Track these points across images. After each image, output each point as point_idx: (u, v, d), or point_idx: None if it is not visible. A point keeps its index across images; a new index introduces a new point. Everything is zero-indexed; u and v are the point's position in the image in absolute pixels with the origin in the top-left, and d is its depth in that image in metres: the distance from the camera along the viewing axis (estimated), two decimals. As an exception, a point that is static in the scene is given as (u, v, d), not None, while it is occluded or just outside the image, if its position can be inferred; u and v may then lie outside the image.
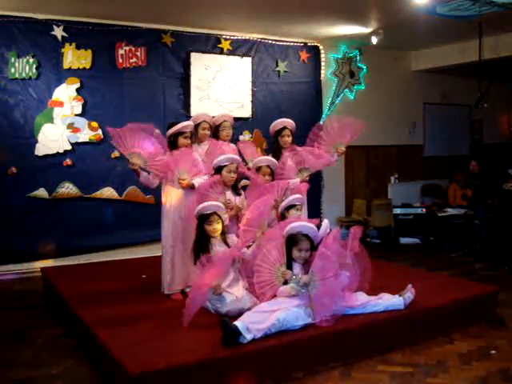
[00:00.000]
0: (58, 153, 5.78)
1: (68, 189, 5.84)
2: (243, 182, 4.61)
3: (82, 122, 5.89)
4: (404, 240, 7.37)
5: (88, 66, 5.88)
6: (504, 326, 3.94)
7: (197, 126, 4.38)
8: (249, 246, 3.79)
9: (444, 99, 8.92)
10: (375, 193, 8.06)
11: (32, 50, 5.62)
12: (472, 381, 3.06)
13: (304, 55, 7.23)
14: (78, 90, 5.85)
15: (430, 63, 8.17)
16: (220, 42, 6.63)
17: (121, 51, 6.05)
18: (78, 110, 5.86)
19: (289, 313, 3.26)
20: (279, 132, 4.61)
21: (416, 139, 8.63)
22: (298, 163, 4.46)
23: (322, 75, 7.41)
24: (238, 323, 3.08)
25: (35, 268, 5.61)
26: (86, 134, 5.90)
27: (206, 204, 3.74)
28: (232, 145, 4.63)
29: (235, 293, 3.60)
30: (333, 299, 3.35)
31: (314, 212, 6.54)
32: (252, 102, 6.84)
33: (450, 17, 5.89)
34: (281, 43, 7.06)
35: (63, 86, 5.79)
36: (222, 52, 6.64)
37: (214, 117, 4.64)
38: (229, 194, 4.10)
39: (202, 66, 6.50)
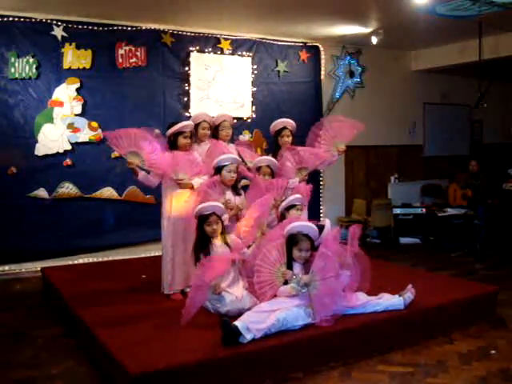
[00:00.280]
0: (58, 153, 5.78)
1: (68, 189, 5.84)
2: (243, 182, 4.61)
3: (81, 122, 5.89)
4: (404, 240, 7.37)
5: (88, 66, 5.88)
6: (504, 326, 3.94)
7: (196, 125, 4.38)
8: (249, 246, 3.79)
9: (444, 99, 8.92)
10: (375, 193, 8.06)
11: (32, 50, 5.62)
12: (472, 381, 3.06)
13: (304, 55, 7.23)
14: (77, 90, 5.85)
15: (430, 63, 8.17)
16: (220, 42, 6.63)
17: (121, 51, 6.05)
18: (78, 109, 5.87)
19: (289, 313, 3.26)
20: (279, 132, 4.62)
21: (416, 139, 8.63)
22: (298, 163, 4.47)
23: (322, 75, 7.41)
24: (238, 323, 3.08)
25: (35, 268, 5.61)
26: (85, 134, 5.91)
27: (205, 204, 3.74)
28: (232, 145, 4.63)
29: (235, 293, 3.60)
30: (333, 299, 3.35)
31: (314, 212, 6.57)
32: (252, 101, 6.84)
33: (450, 17, 5.89)
34: (281, 43, 7.06)
35: (63, 85, 5.79)
36: (222, 52, 6.64)
37: (213, 117, 4.64)
38: (229, 194, 4.10)
39: (202, 65, 6.51)
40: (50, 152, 5.74)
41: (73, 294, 4.16)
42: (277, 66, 7.04)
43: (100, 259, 5.98)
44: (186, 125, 4.21)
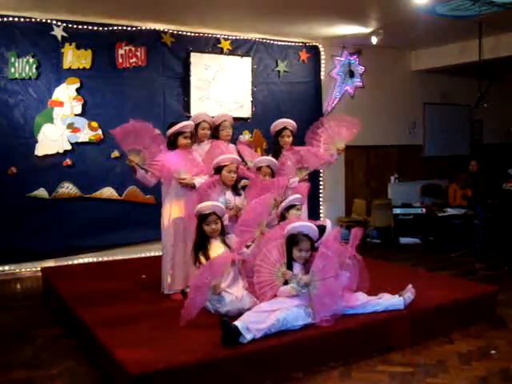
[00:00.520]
0: (58, 153, 5.78)
1: (68, 189, 5.83)
2: (243, 182, 4.61)
3: (81, 122, 5.89)
4: (404, 240, 7.37)
5: (88, 66, 5.88)
6: (504, 326, 3.95)
7: (196, 125, 4.38)
8: (248, 246, 3.79)
9: (444, 99, 8.91)
10: (375, 193, 8.05)
11: (32, 50, 5.62)
12: (472, 381, 3.06)
13: (304, 55, 7.23)
14: (77, 90, 5.85)
15: (430, 63, 8.17)
16: (220, 42, 6.62)
17: (121, 51, 6.05)
18: (78, 109, 5.86)
19: (289, 313, 3.26)
20: (279, 132, 4.63)
21: (416, 139, 8.63)
22: (297, 162, 4.47)
23: (322, 75, 7.41)
24: (238, 323, 3.08)
25: (35, 268, 5.61)
26: (85, 134, 5.90)
27: (205, 204, 3.74)
28: (232, 145, 4.63)
29: (235, 293, 3.60)
30: (333, 299, 3.35)
31: (314, 212, 6.57)
32: (252, 102, 6.84)
33: (450, 17, 5.89)
34: (281, 43, 7.06)
35: (63, 85, 5.79)
36: (222, 52, 6.64)
37: (213, 117, 4.64)
38: (229, 194, 4.10)
39: (202, 65, 6.50)
40: (50, 152, 5.74)
41: (73, 294, 4.17)
42: (277, 65, 7.04)
43: (100, 259, 5.98)
44: (186, 125, 4.21)
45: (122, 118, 5.71)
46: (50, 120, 5.75)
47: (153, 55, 6.21)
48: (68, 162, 5.83)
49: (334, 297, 3.36)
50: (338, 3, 5.57)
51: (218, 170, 4.07)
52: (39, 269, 5.36)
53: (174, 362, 2.86)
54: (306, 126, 4.78)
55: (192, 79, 6.44)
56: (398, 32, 6.83)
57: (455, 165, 8.71)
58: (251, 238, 3.78)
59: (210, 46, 6.57)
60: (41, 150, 5.70)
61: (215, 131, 4.54)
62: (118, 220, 6.06)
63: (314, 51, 7.32)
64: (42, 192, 5.71)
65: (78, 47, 5.82)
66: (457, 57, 7.59)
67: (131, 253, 6.06)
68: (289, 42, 7.12)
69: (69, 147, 5.83)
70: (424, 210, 7.48)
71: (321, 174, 7.23)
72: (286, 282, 3.41)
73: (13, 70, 5.55)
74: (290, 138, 4.60)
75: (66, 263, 5.66)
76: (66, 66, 5.78)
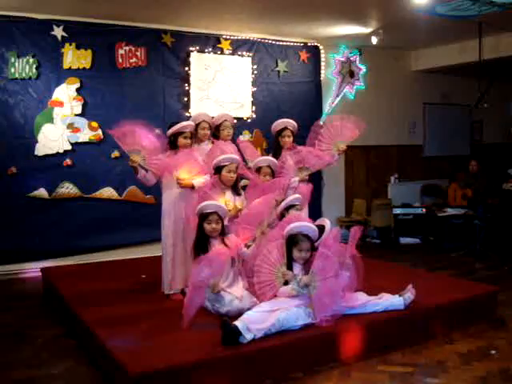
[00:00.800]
0: (57, 153, 5.78)
1: (68, 189, 5.83)
2: (243, 182, 4.61)
3: (82, 122, 5.89)
4: (404, 240, 7.37)
5: (88, 66, 5.88)
6: (504, 326, 3.94)
7: (196, 125, 4.38)
8: (248, 246, 3.79)
9: (444, 99, 8.92)
10: (375, 193, 8.06)
11: (32, 50, 5.62)
12: (472, 381, 3.06)
13: (304, 55, 7.23)
14: (77, 90, 5.85)
15: (430, 63, 8.17)
16: (220, 42, 6.63)
17: (121, 51, 6.05)
18: (78, 109, 5.86)
19: (289, 313, 3.26)
20: (280, 132, 4.62)
21: (416, 139, 8.64)
22: (298, 162, 4.47)
23: (322, 75, 7.41)
24: (238, 323, 3.08)
25: (35, 268, 5.61)
26: (86, 134, 5.90)
27: (207, 203, 3.73)
28: (233, 144, 4.63)
29: (235, 293, 3.60)
30: (333, 299, 3.35)
31: (314, 212, 6.55)
32: (252, 102, 6.84)
33: (450, 17, 5.89)
34: (281, 43, 7.06)
35: (63, 85, 5.79)
36: (222, 52, 6.64)
37: (213, 117, 4.64)
38: (229, 194, 4.10)
39: (202, 65, 6.50)
40: (50, 152, 5.74)
41: (73, 294, 4.16)
42: (277, 66, 7.04)
43: (100, 259, 5.98)
44: (186, 125, 4.21)
45: (122, 118, 5.70)
46: (50, 120, 5.75)
47: (153, 55, 6.21)
48: (68, 162, 5.83)
49: (334, 297, 3.36)
50: (337, 3, 5.57)
51: (218, 170, 4.07)
52: (39, 269, 5.36)
53: (174, 362, 2.86)
54: (306, 126, 4.79)
55: (192, 79, 6.44)
56: (398, 32, 6.83)
57: (455, 165, 8.71)
58: (251, 236, 3.78)
59: (210, 46, 6.58)
60: (41, 150, 5.70)
61: (216, 131, 4.54)
62: (118, 220, 6.06)
63: (314, 51, 7.32)
64: (42, 192, 5.71)
65: (78, 47, 5.82)
66: (457, 57, 7.60)
67: (131, 253, 6.05)
68: (289, 42, 7.12)
69: (69, 147, 5.83)
70: (424, 210, 7.48)
71: (321, 174, 7.22)
72: (286, 283, 3.41)
73: (13, 70, 5.55)
74: (291, 138, 4.60)
75: (65, 263, 5.65)
76: (66, 66, 5.78)
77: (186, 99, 6.43)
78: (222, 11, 5.79)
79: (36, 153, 5.68)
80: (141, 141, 3.95)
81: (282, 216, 3.99)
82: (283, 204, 4.00)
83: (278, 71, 7.07)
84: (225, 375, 2.94)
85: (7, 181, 5.56)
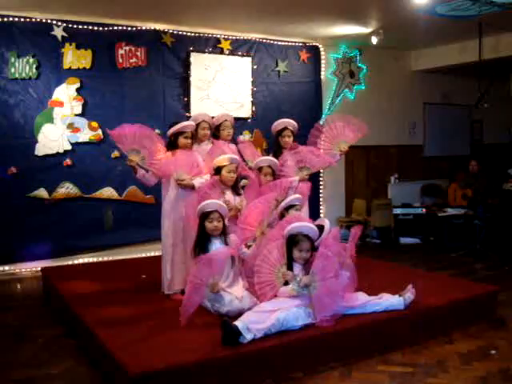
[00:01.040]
0: (57, 153, 5.78)
1: (68, 189, 5.84)
2: (243, 182, 4.61)
3: (81, 122, 5.89)
4: (404, 240, 7.37)
5: (88, 66, 5.88)
6: (504, 326, 3.94)
7: (196, 126, 4.38)
8: (249, 246, 3.79)
9: (444, 99, 8.92)
10: (375, 193, 8.06)
11: (32, 50, 5.62)
12: (472, 381, 3.06)
13: (304, 55, 7.23)
14: (78, 90, 5.85)
15: (430, 63, 8.17)
16: (220, 42, 6.63)
17: (121, 51, 6.05)
18: (78, 110, 5.87)
19: (289, 313, 3.26)
20: (280, 132, 4.63)
21: (416, 139, 8.64)
22: (298, 162, 4.47)
23: (322, 75, 7.42)
24: (238, 323, 3.08)
25: (35, 268, 5.61)
26: (86, 134, 5.91)
27: (208, 202, 3.73)
28: (232, 145, 4.63)
29: (235, 293, 3.60)
30: (333, 299, 3.35)
31: (314, 212, 6.57)
32: (252, 101, 6.84)
33: (450, 17, 5.89)
34: (281, 43, 7.06)
35: (63, 85, 5.79)
36: (222, 52, 6.64)
37: (213, 117, 4.64)
38: (229, 194, 4.10)
39: (202, 65, 6.51)
40: (50, 152, 5.74)
41: (73, 294, 4.16)
42: (277, 66, 7.04)
43: (100, 259, 5.98)
44: (186, 125, 4.21)
45: (122, 118, 5.76)
46: (50, 120, 5.75)
47: (153, 55, 6.21)
48: (68, 162, 5.83)
49: (334, 297, 3.36)
50: (338, 3, 5.57)
51: (218, 170, 4.07)
52: (39, 269, 5.36)
53: (174, 362, 2.86)
54: (306, 126, 4.79)
55: (192, 79, 6.44)
56: (398, 32, 6.84)
57: (455, 165, 8.71)
58: (251, 236, 3.78)
59: (210, 46, 6.58)
60: (41, 150, 5.70)
61: (216, 131, 4.55)
62: (117, 220, 6.06)
63: (314, 51, 7.32)
64: (42, 192, 5.71)
65: (78, 47, 5.82)
66: (457, 57, 7.60)
67: (131, 253, 6.06)
68: (289, 42, 7.13)
69: (69, 147, 5.83)
70: (424, 210, 7.48)
71: (321, 174, 7.23)
72: (286, 283, 3.41)
73: (13, 70, 5.55)
74: (291, 138, 4.60)
75: (65, 263, 5.66)
76: (66, 65, 5.78)
77: (185, 99, 6.43)
78: (222, 11, 5.79)
79: (36, 153, 5.68)
80: (141, 141, 3.95)
81: (282, 216, 4.00)
82: (283, 204, 4.00)
83: (278, 71, 7.07)
84: (225, 375, 2.94)
85: (7, 181, 5.56)
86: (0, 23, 5.46)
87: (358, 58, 7.65)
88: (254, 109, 6.85)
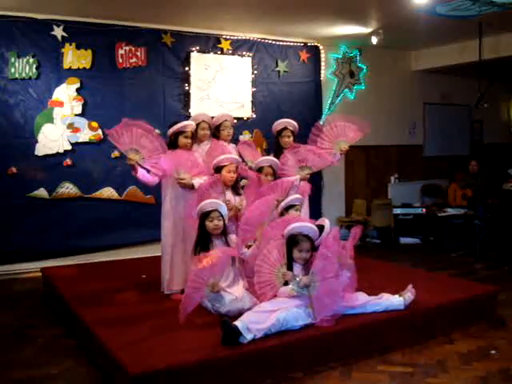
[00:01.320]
0: (58, 153, 5.78)
1: (68, 189, 5.83)
2: (243, 182, 4.61)
3: (81, 122, 5.89)
4: (404, 240, 7.37)
5: (88, 66, 5.88)
6: (504, 326, 3.94)
7: (196, 126, 4.37)
8: (249, 246, 3.79)
9: (444, 99, 8.92)
10: (375, 193, 8.06)
11: (32, 50, 5.62)
12: (472, 381, 3.06)
13: (304, 55, 7.23)
14: (78, 90, 5.85)
15: (430, 63, 8.17)
16: (220, 42, 6.63)
17: (121, 51, 6.05)
18: (78, 110, 5.87)
19: (289, 313, 3.26)
20: (280, 132, 4.63)
21: (416, 139, 8.64)
22: (299, 161, 4.46)
23: (322, 75, 7.42)
24: (238, 323, 3.08)
25: (35, 268, 5.61)
26: (86, 134, 5.90)
27: (208, 201, 3.73)
28: (232, 145, 4.63)
29: (235, 293, 3.60)
30: (333, 299, 3.35)
31: (314, 212, 6.56)
32: (252, 101, 6.84)
33: (450, 17, 5.89)
34: (281, 43, 7.06)
35: (63, 85, 5.79)
36: (222, 52, 6.64)
37: (213, 117, 4.64)
38: (229, 194, 4.10)
39: (202, 65, 6.51)
40: (50, 152, 5.74)
41: (73, 294, 4.16)
42: (277, 66, 7.04)
43: (100, 259, 5.98)
44: (186, 124, 4.21)
45: (122, 118, 5.75)
46: (50, 120, 5.75)
47: (153, 55, 6.21)
48: (68, 162, 5.83)
49: (334, 297, 3.36)
50: (338, 3, 5.57)
51: (218, 170, 4.07)
52: (39, 269, 5.36)
53: (174, 362, 2.86)
54: (306, 126, 4.78)
55: (192, 79, 6.44)
56: (398, 32, 6.83)
57: (455, 165, 8.71)
58: (252, 237, 3.78)
59: (210, 46, 6.58)
60: (41, 150, 5.70)
61: (216, 131, 4.54)
62: (117, 220, 6.06)
63: (313, 51, 7.32)
64: (42, 192, 5.71)
65: (78, 47, 5.82)
66: (457, 57, 7.60)
67: (131, 253, 6.06)
68: (289, 42, 7.13)
69: (69, 147, 5.83)
70: (424, 210, 7.48)
71: (321, 174, 7.22)
72: (286, 283, 3.41)
73: (13, 70, 5.55)
74: (291, 138, 4.60)
75: (65, 263, 5.65)
76: (66, 65, 5.78)
77: (186, 99, 6.43)
78: (222, 11, 5.79)
79: (36, 153, 5.68)
80: (139, 140, 3.93)
81: (281, 216, 3.99)
82: (283, 204, 4.00)
83: (278, 71, 7.07)
84: (225, 375, 2.94)
85: (7, 181, 5.56)
86: (0, 23, 5.46)
87: (357, 57, 7.65)
88: (254, 109, 6.85)
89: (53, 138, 5.76)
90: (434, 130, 8.81)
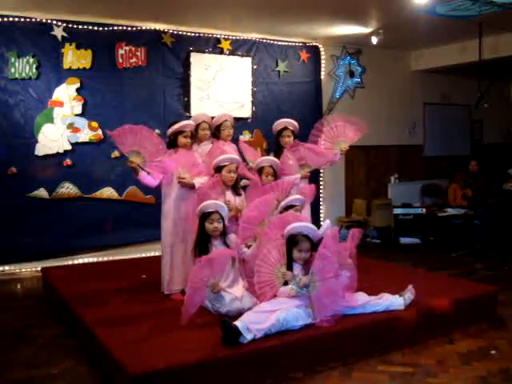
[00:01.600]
0: (58, 153, 5.78)
1: (68, 189, 5.84)
2: (243, 182, 4.61)
3: (81, 122, 5.89)
4: (404, 240, 7.37)
5: (88, 66, 5.89)
6: (504, 326, 3.94)
7: (197, 126, 4.38)
8: (249, 246, 3.79)
9: (444, 99, 8.92)
10: (375, 193, 8.06)
11: (32, 50, 5.62)
12: (472, 381, 3.06)
13: (304, 55, 7.23)
14: (78, 90, 5.85)
15: (430, 63, 8.17)
16: (220, 42, 6.63)
17: (121, 51, 6.05)
18: (78, 110, 5.87)
19: (289, 313, 3.26)
20: (280, 132, 4.63)
21: (416, 139, 8.64)
22: (298, 159, 4.47)
23: (322, 75, 7.42)
24: (238, 323, 3.08)
25: (35, 268, 5.61)
26: (86, 134, 5.91)
27: (208, 202, 3.73)
28: (233, 145, 4.63)
29: (235, 293, 3.60)
30: (333, 300, 3.35)
31: (314, 212, 6.56)
32: (252, 101, 6.84)
33: (450, 17, 5.89)
34: (281, 43, 7.06)
35: (63, 85, 5.79)
36: (222, 52, 6.64)
37: (213, 117, 4.64)
38: (229, 195, 4.10)
39: (202, 65, 6.51)
40: (50, 152, 5.74)
41: (73, 294, 4.16)
42: (277, 65, 7.04)
43: (100, 259, 5.98)
44: (186, 124, 4.21)
45: (122, 118, 5.77)
46: (50, 120, 5.75)
47: (153, 55, 6.21)
48: (68, 162, 5.83)
49: (334, 297, 3.36)
50: (338, 3, 5.57)
51: (218, 170, 4.07)
52: (39, 269, 5.36)
53: (174, 362, 2.85)
54: (306, 126, 4.79)
55: (192, 79, 6.44)
56: (398, 32, 6.83)
57: (455, 165, 8.71)
58: (252, 235, 3.78)
59: (210, 46, 6.58)
60: (41, 150, 5.70)
61: (216, 131, 4.54)
62: (118, 220, 6.06)
63: (313, 51, 7.32)
64: (42, 192, 5.71)
65: (78, 47, 5.82)
66: (457, 57, 7.60)
67: (131, 253, 6.06)
68: (289, 42, 7.13)
69: (69, 147, 5.83)
70: (424, 210, 7.48)
71: (321, 174, 7.23)
72: (286, 283, 3.41)
73: (13, 70, 5.55)
74: (291, 138, 4.60)
75: (65, 263, 5.66)
76: (66, 65, 5.78)
77: (186, 99, 6.43)
78: (222, 11, 5.79)
79: (36, 153, 5.68)
80: (141, 142, 3.94)
81: (281, 216, 4.00)
82: (283, 203, 4.00)
83: (278, 71, 7.07)
84: (225, 375, 2.94)
85: (7, 181, 5.56)
86: (0, 23, 5.46)
87: (357, 57, 7.64)
88: (254, 109, 6.85)
89: (53, 138, 5.76)
90: (434, 130, 8.81)
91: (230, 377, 2.96)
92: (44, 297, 4.90)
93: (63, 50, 5.76)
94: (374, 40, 6.88)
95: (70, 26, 5.77)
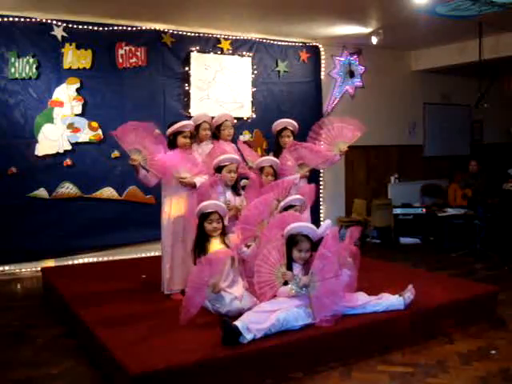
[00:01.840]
0: (57, 153, 5.78)
1: (68, 189, 5.83)
2: (243, 182, 4.61)
3: (81, 122, 5.89)
4: (404, 240, 7.37)
5: (88, 66, 5.88)
6: (504, 326, 3.94)
7: (197, 126, 4.38)
8: (249, 246, 3.79)
9: (444, 99, 8.92)
10: (375, 193, 8.06)
11: (32, 50, 5.62)
12: (472, 381, 3.06)
13: (304, 55, 7.23)
14: (78, 90, 5.85)
15: (430, 63, 8.17)
16: (220, 42, 6.63)
17: (121, 51, 6.05)
18: (78, 110, 5.86)
19: (289, 313, 3.26)
20: (280, 132, 4.63)
21: (416, 139, 8.64)
22: (298, 159, 4.47)
23: (322, 75, 7.42)
24: (238, 323, 3.08)
25: (35, 268, 5.61)
26: (86, 134, 5.90)
27: (208, 202, 3.74)
28: (233, 145, 4.63)
29: (235, 293, 3.60)
30: (333, 300, 3.35)
31: (314, 212, 6.56)
32: (252, 102, 6.84)
33: (450, 17, 5.89)
34: (281, 43, 7.06)
35: (63, 85, 5.79)
36: (222, 52, 6.64)
37: (213, 117, 4.64)
38: (229, 195, 4.10)
39: (202, 65, 6.51)
40: (50, 152, 5.74)
41: (73, 294, 4.16)
42: (277, 66, 7.04)
43: (100, 259, 5.99)
44: (185, 124, 4.21)
45: (122, 118, 5.73)
46: (50, 120, 5.75)
47: (153, 55, 6.21)
48: (68, 162, 5.83)
49: (334, 297, 3.36)
50: (337, 3, 5.57)
51: (219, 169, 4.08)
52: (39, 269, 5.36)
53: (174, 362, 2.86)
54: (306, 126, 4.79)
55: (192, 79, 6.44)
56: (398, 32, 6.83)
57: (455, 165, 8.71)
58: (251, 235, 3.78)
59: (210, 46, 6.58)
60: (41, 150, 5.70)
61: (216, 131, 4.54)
62: (118, 220, 6.06)
63: (313, 51, 7.32)
64: (42, 192, 5.71)
65: (78, 47, 5.82)
66: (457, 57, 7.60)
67: (131, 253, 6.06)
68: (289, 42, 7.13)
69: (69, 147, 5.83)
70: (424, 210, 7.48)
71: (321, 174, 7.23)
72: (285, 283, 3.41)
73: (13, 70, 5.55)
74: (290, 138, 4.60)
75: (66, 263, 5.66)
76: (66, 65, 5.78)
77: (185, 99, 6.43)
78: (222, 11, 5.79)
79: (36, 153, 5.68)
80: (142, 140, 3.95)
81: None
82: (283, 203, 4.00)
83: (278, 71, 7.07)
84: (225, 375, 2.94)
85: (7, 181, 5.56)
86: (0, 23, 5.46)
87: (357, 58, 7.64)
88: (254, 109, 6.85)
89: (53, 138, 5.76)
90: (434, 130, 8.81)
91: (230, 377, 2.96)
92: (44, 297, 4.90)
93: (63, 50, 5.76)
94: (374, 40, 6.87)
95: (70, 26, 5.77)
